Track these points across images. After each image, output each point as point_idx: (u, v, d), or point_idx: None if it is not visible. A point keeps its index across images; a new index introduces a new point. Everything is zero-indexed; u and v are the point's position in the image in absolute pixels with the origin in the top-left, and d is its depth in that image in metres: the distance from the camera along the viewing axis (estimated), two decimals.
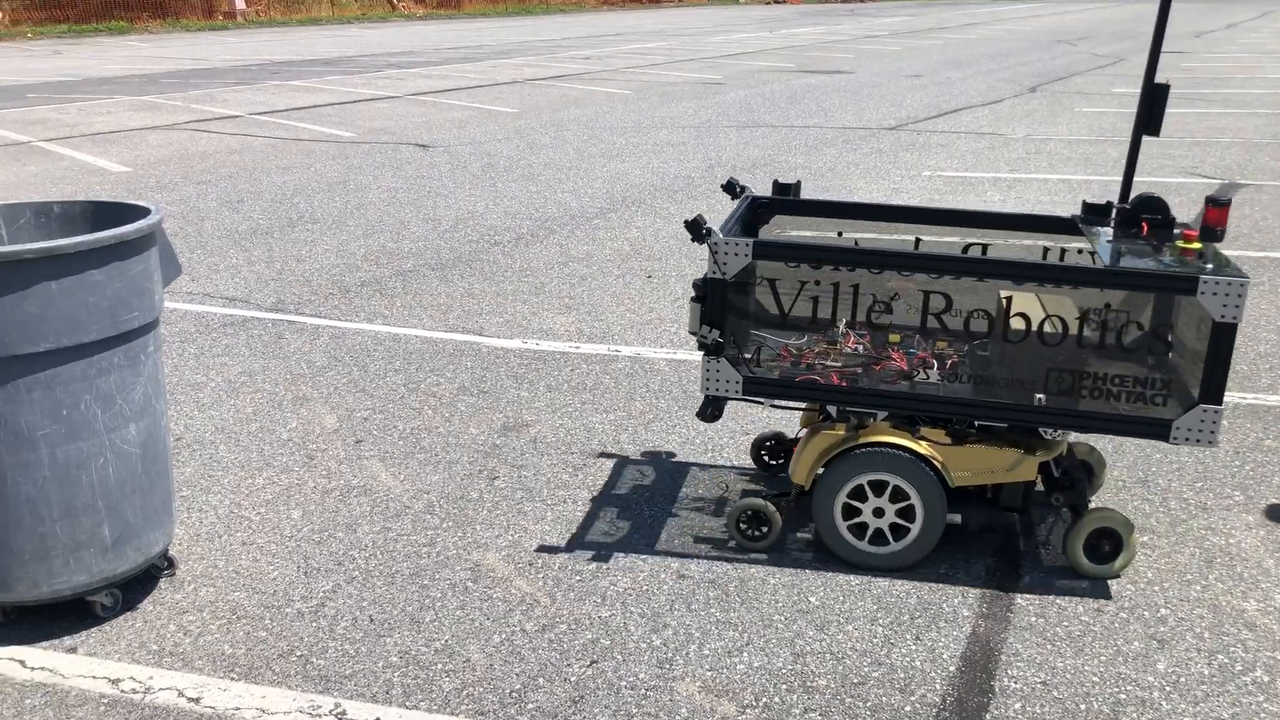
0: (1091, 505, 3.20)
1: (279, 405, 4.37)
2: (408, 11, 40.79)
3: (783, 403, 3.31)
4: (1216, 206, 2.92)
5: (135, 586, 3.03)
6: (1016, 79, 17.34)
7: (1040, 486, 3.47)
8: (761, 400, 3.13)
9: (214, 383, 4.62)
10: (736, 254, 2.99)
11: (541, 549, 3.24)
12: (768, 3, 59.07)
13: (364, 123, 12.73)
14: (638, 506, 3.50)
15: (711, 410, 3.14)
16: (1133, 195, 3.23)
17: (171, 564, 3.12)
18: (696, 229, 2.96)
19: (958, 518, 3.12)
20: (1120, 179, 8.75)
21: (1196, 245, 2.96)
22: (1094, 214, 3.32)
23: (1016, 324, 2.93)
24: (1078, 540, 3.06)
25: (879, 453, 3.05)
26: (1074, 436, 3.66)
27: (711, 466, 3.78)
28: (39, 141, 11.38)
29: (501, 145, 11.07)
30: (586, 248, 6.89)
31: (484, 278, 6.23)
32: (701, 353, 3.26)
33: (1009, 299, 2.97)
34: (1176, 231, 3.14)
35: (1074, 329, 2.89)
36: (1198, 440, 2.85)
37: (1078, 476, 3.21)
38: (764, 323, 3.14)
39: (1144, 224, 3.15)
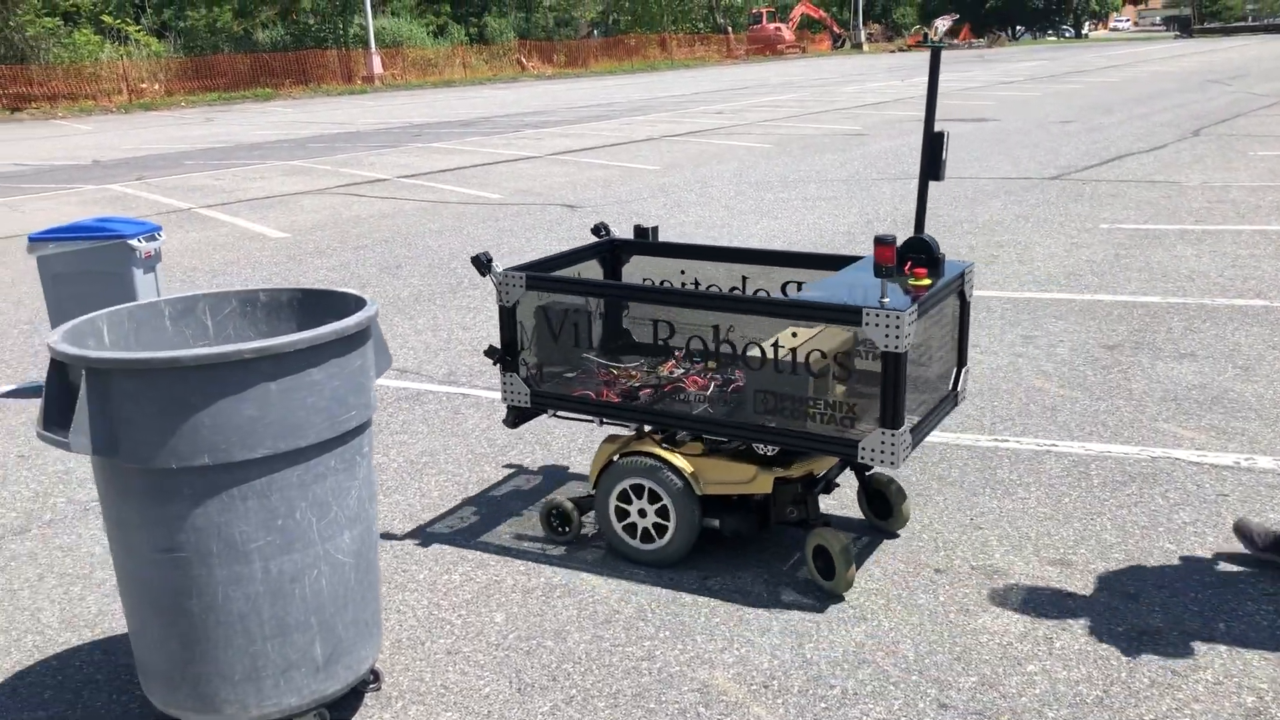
0: (819, 525, 3.33)
1: (464, 488, 4.16)
2: (536, 71, 41.56)
3: (566, 414, 3.63)
4: (883, 245, 3.15)
5: (341, 704, 2.81)
6: (1174, 122, 16.54)
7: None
8: (547, 411, 3.63)
9: (395, 464, 4.44)
10: (515, 285, 3.56)
11: (775, 667, 2.91)
12: (893, 51, 58.48)
13: (509, 184, 12.74)
14: (855, 609, 3.15)
15: (512, 419, 3.69)
16: (908, 238, 3.41)
17: (377, 677, 2.89)
18: (480, 264, 3.49)
19: (715, 523, 3.44)
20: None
21: (926, 281, 3.22)
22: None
23: (725, 350, 3.42)
24: (808, 553, 3.33)
25: (638, 461, 3.43)
26: (880, 470, 3.77)
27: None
28: (199, 208, 11.67)
29: (648, 203, 10.91)
30: None
31: None
32: (500, 369, 3.69)
33: (726, 328, 3.41)
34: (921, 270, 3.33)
35: (816, 361, 3.14)
36: (880, 461, 3.06)
37: (811, 496, 3.39)
38: (621, 349, 3.80)
39: (908, 263, 3.36)
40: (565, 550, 3.62)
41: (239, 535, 2.42)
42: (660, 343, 3.65)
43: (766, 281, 3.89)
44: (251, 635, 2.49)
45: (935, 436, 4.47)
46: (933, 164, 3.41)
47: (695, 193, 11.50)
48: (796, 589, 3.31)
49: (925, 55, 47.42)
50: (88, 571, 3.61)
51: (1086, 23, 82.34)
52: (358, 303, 2.75)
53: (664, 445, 3.45)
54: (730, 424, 3.30)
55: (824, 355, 3.14)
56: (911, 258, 3.37)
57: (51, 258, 5.31)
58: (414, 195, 12.11)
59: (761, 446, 3.30)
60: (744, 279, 3.92)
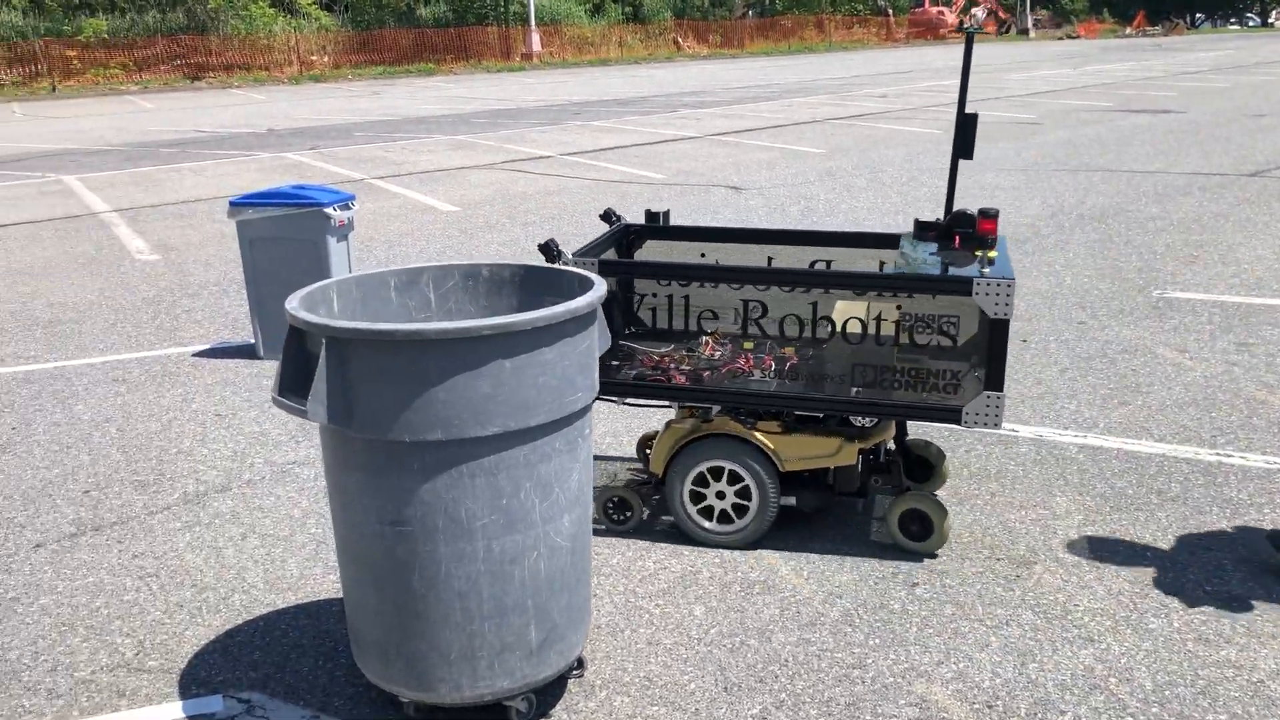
0: (908, 489, 3.45)
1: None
2: (692, 51, 41.38)
3: (634, 400, 3.61)
4: (987, 219, 3.42)
5: (547, 690, 2.76)
6: None
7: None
8: (614, 399, 3.51)
9: None
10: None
11: (997, 686, 2.74)
12: (1060, 38, 56.21)
13: (671, 164, 12.65)
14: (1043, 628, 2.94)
15: None
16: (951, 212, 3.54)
17: (581, 664, 2.83)
18: (549, 251, 3.35)
19: (793, 500, 3.47)
20: None
21: (993, 254, 3.36)
22: (923, 230, 3.63)
23: (823, 327, 3.34)
24: (893, 519, 3.41)
25: (719, 442, 3.40)
26: (914, 431, 4.09)
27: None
28: (372, 179, 11.94)
29: (815, 187, 10.67)
30: None
31: None
32: None
33: (814, 305, 3.37)
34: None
35: (888, 331, 3.23)
36: (985, 423, 3.17)
37: (895, 462, 3.58)
38: (637, 335, 3.62)
39: (956, 237, 3.50)
40: (757, 545, 3.50)
41: (465, 513, 2.38)
42: (684, 327, 3.53)
43: (794, 262, 3.88)
44: (470, 614, 2.44)
45: (1151, 447, 4.18)
46: (965, 144, 3.54)
47: (865, 177, 11.19)
48: (1011, 604, 3.12)
49: (1099, 44, 45.53)
50: (288, 534, 3.66)
51: (1274, 11, 77.51)
52: (583, 282, 2.68)
53: (744, 425, 3.41)
54: (830, 399, 3.28)
55: (916, 326, 3.23)
56: (959, 232, 3.52)
57: (250, 222, 5.44)
58: (577, 173, 12.13)
59: (860, 418, 3.33)
60: (770, 260, 3.91)
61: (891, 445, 3.80)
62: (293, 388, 2.41)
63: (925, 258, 3.39)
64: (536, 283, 2.83)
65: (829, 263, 3.78)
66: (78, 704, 2.76)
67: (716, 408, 3.50)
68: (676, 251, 4.02)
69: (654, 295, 3.53)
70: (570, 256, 3.41)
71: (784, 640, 2.97)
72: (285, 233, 5.38)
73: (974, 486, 3.90)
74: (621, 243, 3.98)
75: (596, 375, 2.57)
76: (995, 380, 3.14)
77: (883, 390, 3.25)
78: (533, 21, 37.15)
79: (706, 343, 3.52)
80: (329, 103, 23.36)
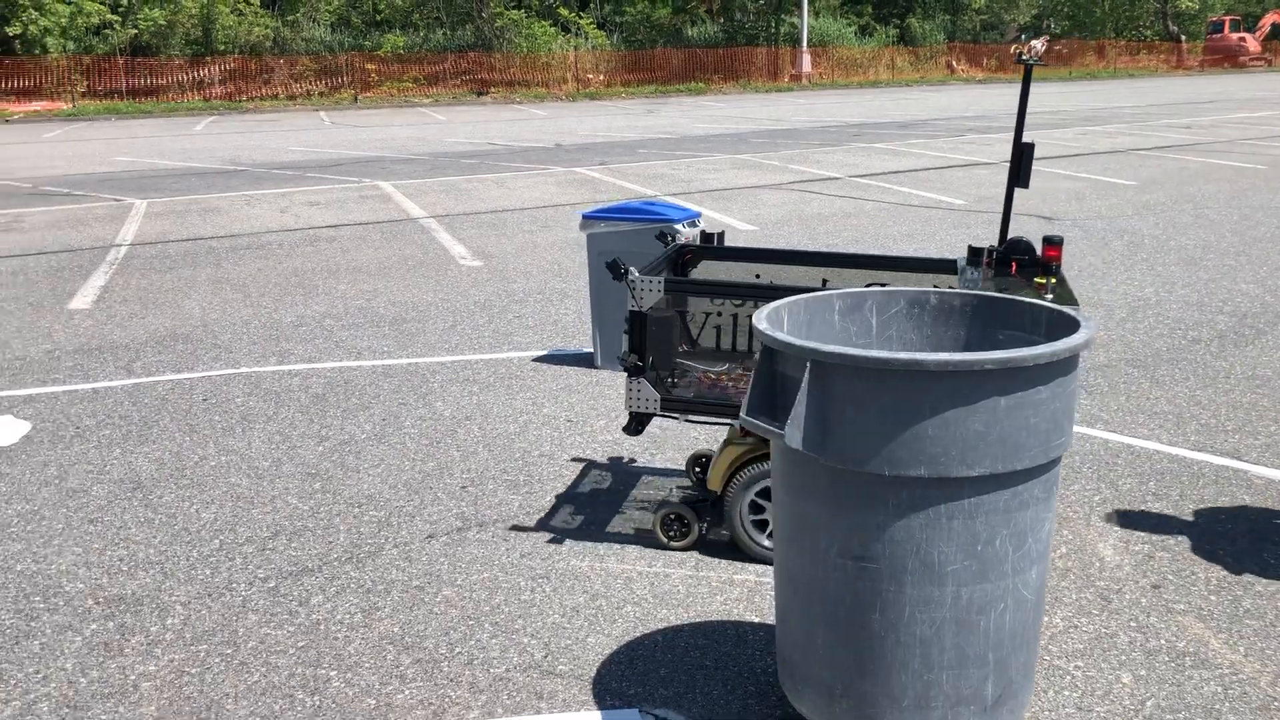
0: None
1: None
2: (965, 75, 40.21)
3: (696, 418, 3.60)
4: (1052, 245, 3.38)
5: None
6: None
7: None
8: (677, 415, 3.55)
9: None
10: (651, 290, 3.48)
11: None
12: None
13: (969, 189, 12.21)
14: None
15: (635, 425, 3.61)
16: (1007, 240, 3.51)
17: None
18: (616, 270, 3.41)
19: None
20: None
21: (1054, 280, 3.32)
22: (976, 256, 3.58)
23: None
24: None
25: None
26: None
27: None
28: (666, 196, 12.11)
29: (1135, 222, 10.01)
30: None
31: (1202, 381, 5.35)
32: (626, 374, 3.57)
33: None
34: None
35: None
36: None
37: None
38: (691, 354, 3.63)
39: (1014, 264, 3.50)
40: (1171, 609, 3.20)
41: (937, 556, 2.25)
42: (745, 347, 3.57)
43: (847, 284, 3.83)
44: (930, 662, 2.32)
45: None
46: (1021, 172, 3.63)
47: (1188, 214, 10.42)
48: None
49: None
50: (662, 547, 3.66)
51: None
52: (1053, 316, 2.51)
53: None
54: None
55: None
56: (1015, 259, 3.50)
57: (601, 235, 5.55)
58: (870, 195, 11.89)
59: None
60: (824, 281, 3.92)
61: None
62: (761, 408, 2.36)
63: (988, 286, 3.37)
64: (990, 314, 2.68)
65: (884, 285, 3.78)
66: (499, 701, 2.82)
67: None
68: (731, 272, 4.07)
69: (715, 315, 3.59)
70: (636, 274, 3.47)
71: None
72: (634, 247, 5.45)
73: None
74: (676, 262, 4.04)
75: (1074, 419, 2.39)
76: None
77: None
78: (804, 42, 37.06)
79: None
80: (607, 119, 24.03)
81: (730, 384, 3.52)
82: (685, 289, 3.54)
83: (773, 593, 3.36)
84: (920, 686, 2.33)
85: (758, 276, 4.01)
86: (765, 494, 3.46)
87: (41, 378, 5.63)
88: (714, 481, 3.54)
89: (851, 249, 8.86)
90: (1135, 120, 21.76)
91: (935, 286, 3.54)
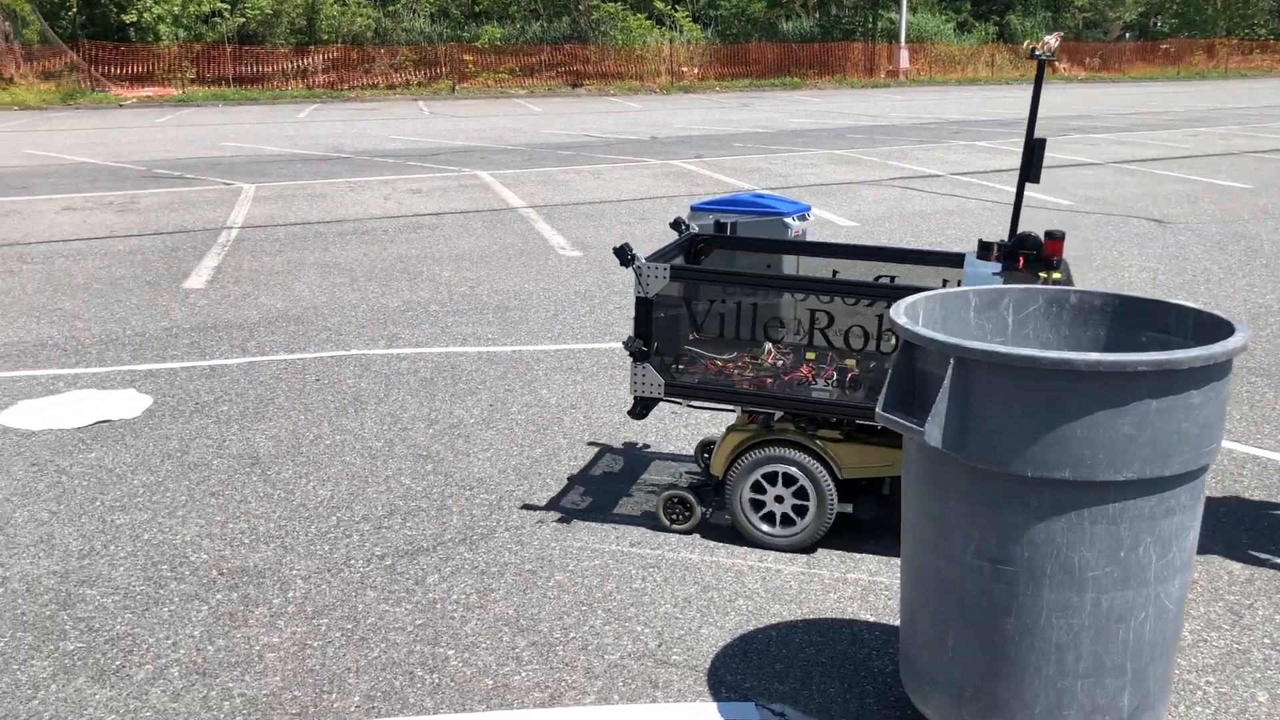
0: None
1: None
2: (1067, 74, 39.26)
3: (699, 404, 3.65)
4: (1054, 239, 3.44)
5: None
6: None
7: None
8: (680, 400, 3.63)
9: None
10: (656, 276, 3.53)
11: None
12: None
13: (1076, 190, 11.92)
14: None
15: (640, 410, 3.68)
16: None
17: None
18: (623, 255, 3.50)
19: (849, 508, 3.49)
20: None
21: (1057, 275, 3.36)
22: (985, 251, 3.57)
23: (887, 340, 3.34)
24: None
25: (779, 447, 3.46)
26: None
27: None
28: (763, 190, 12.04)
29: (1253, 226, 9.66)
30: None
31: None
32: (632, 359, 3.62)
33: (879, 318, 3.36)
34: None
35: None
36: None
37: None
38: (701, 341, 3.65)
39: (1021, 258, 3.48)
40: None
41: (1078, 561, 2.20)
42: (749, 336, 3.60)
43: (858, 275, 3.93)
44: (1065, 669, 2.26)
45: None
46: (1032, 168, 3.71)
47: None
48: None
49: None
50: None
51: None
52: (1200, 318, 2.43)
53: (804, 431, 3.49)
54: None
55: None
56: (1023, 254, 3.51)
57: (709, 228, 5.52)
58: (973, 193, 11.67)
59: None
60: (834, 272, 3.98)
61: None
62: (898, 404, 2.33)
63: (989, 277, 3.43)
64: (1131, 315, 2.61)
65: (893, 278, 3.84)
66: (615, 688, 2.82)
67: (778, 414, 3.57)
68: (742, 261, 4.13)
69: (720, 302, 3.61)
70: (644, 261, 3.53)
71: None
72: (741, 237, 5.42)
73: None
74: (689, 250, 4.09)
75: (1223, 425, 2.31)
76: None
77: None
78: (903, 38, 36.53)
79: (769, 351, 3.58)
80: (701, 113, 23.97)
81: (736, 371, 3.57)
82: (691, 276, 3.59)
83: (887, 593, 3.31)
84: (1054, 694, 2.28)
85: (769, 267, 4.05)
86: (768, 479, 3.51)
87: (161, 354, 5.81)
88: (716, 466, 3.60)
89: (955, 248, 8.71)
90: (1250, 122, 21.01)
91: (945, 281, 3.81)
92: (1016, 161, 14.37)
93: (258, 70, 29.90)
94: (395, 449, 4.47)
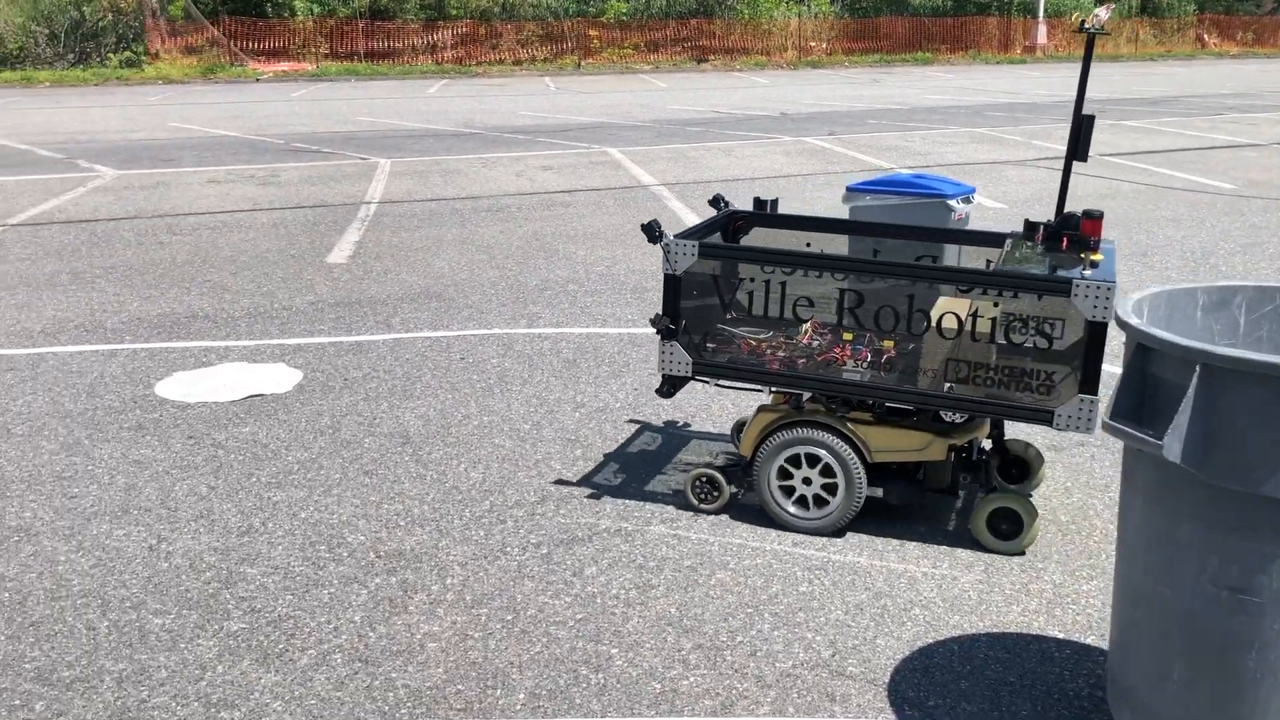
0: (995, 488, 3.48)
1: None
2: (1217, 49, 37.36)
3: (727, 383, 3.62)
4: (1091, 219, 3.44)
5: None
6: None
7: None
8: (708, 380, 3.56)
9: None
10: (685, 254, 3.47)
11: None
12: None
13: (1237, 173, 11.25)
14: None
15: (668, 388, 3.61)
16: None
17: None
18: (651, 232, 3.45)
19: (879, 491, 3.44)
20: None
21: (1098, 256, 3.31)
22: (1031, 230, 3.57)
23: (919, 320, 3.32)
24: (979, 517, 3.37)
25: (807, 429, 3.41)
26: (1010, 433, 3.87)
27: None
28: (901, 169, 11.67)
29: None
30: None
31: None
32: (660, 337, 3.56)
33: (909, 298, 3.34)
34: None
35: (984, 329, 3.18)
36: (1077, 427, 3.13)
37: (987, 460, 3.57)
38: (737, 320, 3.59)
39: (1064, 239, 3.48)
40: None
41: None
42: (783, 315, 3.54)
43: (900, 256, 3.87)
44: None
45: None
46: (1080, 146, 3.56)
47: None
48: None
49: None
50: (951, 548, 3.43)
51: None
52: None
53: (834, 413, 3.45)
54: (920, 393, 3.30)
55: (1014, 326, 3.17)
56: (1067, 234, 3.48)
57: (865, 209, 5.30)
58: (1125, 176, 11.11)
59: (950, 414, 3.33)
60: (875, 252, 3.95)
61: (988, 445, 3.82)
62: (1129, 413, 2.11)
63: (1033, 259, 3.38)
64: None
65: (934, 258, 3.79)
66: (789, 699, 2.68)
67: (807, 395, 3.53)
68: (782, 240, 4.04)
69: (753, 280, 3.53)
70: (672, 238, 3.47)
71: None
72: (902, 222, 5.18)
73: None
74: (727, 228, 4.02)
75: None
76: (1090, 384, 3.12)
77: (975, 387, 3.24)
78: (1040, 13, 35.22)
79: (806, 331, 3.52)
80: (831, 89, 23.47)
81: (768, 351, 3.52)
82: (720, 254, 3.53)
83: (1074, 607, 3.09)
84: None
85: (808, 245, 3.96)
86: (793, 461, 3.47)
87: (308, 328, 5.86)
88: (745, 446, 3.56)
89: (1112, 234, 8.28)
90: None
91: (988, 262, 3.73)
92: (1170, 143, 13.71)
93: (388, 46, 30.39)
94: (543, 432, 4.39)
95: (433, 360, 5.30)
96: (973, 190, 5.25)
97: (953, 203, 5.08)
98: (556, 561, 3.35)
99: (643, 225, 3.50)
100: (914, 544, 3.46)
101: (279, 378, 5.05)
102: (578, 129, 15.82)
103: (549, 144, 13.95)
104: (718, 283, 3.58)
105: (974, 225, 5.39)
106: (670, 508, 3.71)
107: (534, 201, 9.78)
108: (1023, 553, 3.37)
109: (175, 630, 2.97)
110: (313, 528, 3.58)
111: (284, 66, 27.99)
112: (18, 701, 2.66)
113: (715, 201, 4.15)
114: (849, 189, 5.38)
